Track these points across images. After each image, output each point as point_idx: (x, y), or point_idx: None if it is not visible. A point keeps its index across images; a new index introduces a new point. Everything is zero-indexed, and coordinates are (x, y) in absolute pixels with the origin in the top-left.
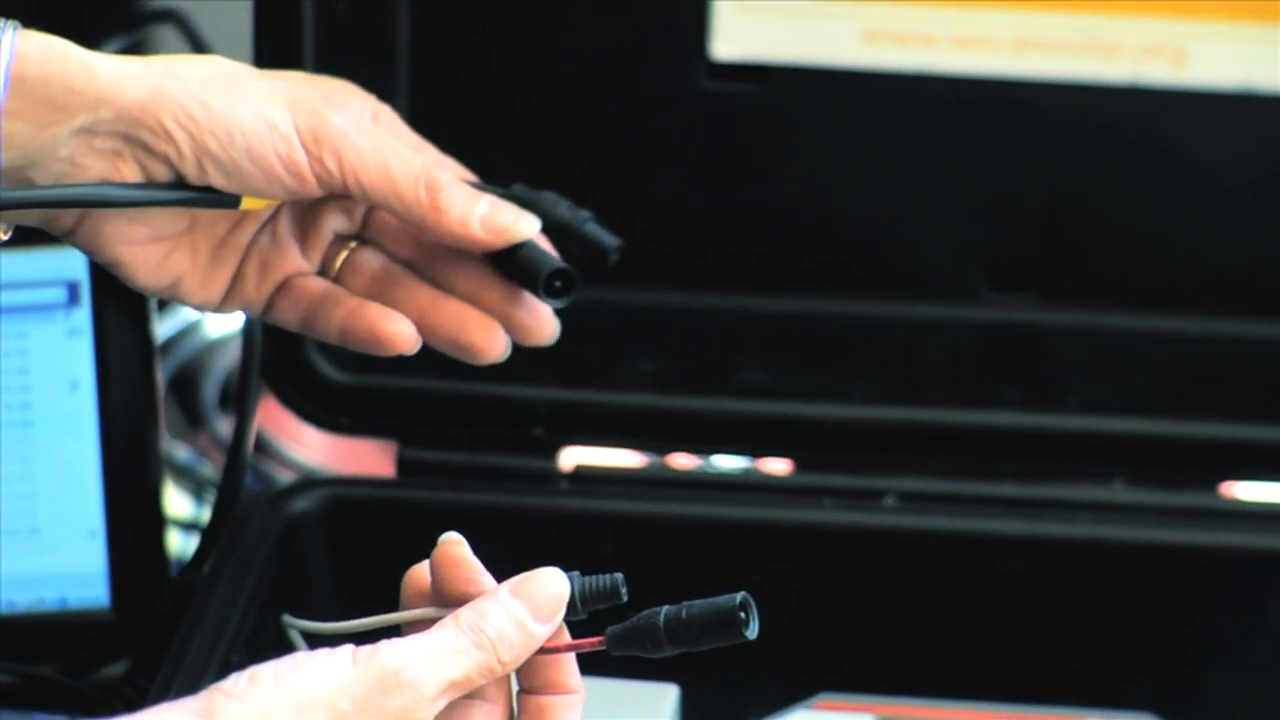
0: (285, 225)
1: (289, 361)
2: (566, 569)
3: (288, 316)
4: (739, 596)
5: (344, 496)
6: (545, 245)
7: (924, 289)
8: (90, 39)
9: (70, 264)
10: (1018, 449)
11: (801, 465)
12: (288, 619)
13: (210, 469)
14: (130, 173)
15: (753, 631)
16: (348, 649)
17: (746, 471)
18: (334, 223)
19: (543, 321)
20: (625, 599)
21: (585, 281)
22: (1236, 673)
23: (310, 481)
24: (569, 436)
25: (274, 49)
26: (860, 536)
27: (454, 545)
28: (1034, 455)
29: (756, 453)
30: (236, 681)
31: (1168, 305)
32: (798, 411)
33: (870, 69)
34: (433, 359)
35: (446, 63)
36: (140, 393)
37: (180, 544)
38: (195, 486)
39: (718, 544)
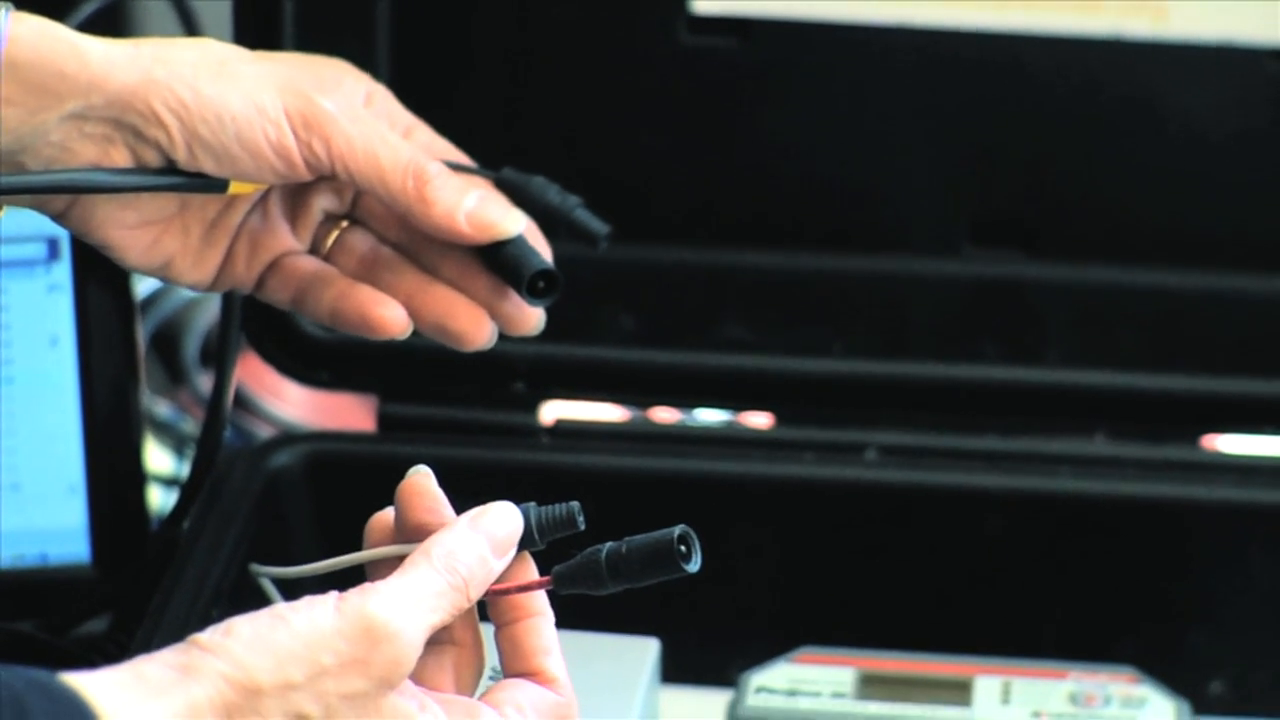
0: (276, 205)
1: (270, 317)
2: (521, 502)
3: (278, 295)
4: (677, 530)
5: (324, 451)
6: (536, 234)
7: (906, 244)
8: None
9: (50, 220)
10: (999, 403)
11: (783, 419)
12: (255, 567)
13: (191, 425)
14: (121, 158)
15: (694, 565)
16: (331, 597)
17: (728, 425)
18: (324, 202)
19: (527, 314)
20: (582, 527)
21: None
22: (1218, 626)
23: (290, 437)
24: (550, 391)
25: (254, 12)
26: (841, 490)
27: (421, 476)
28: (1016, 409)
29: (738, 407)
30: (213, 634)
31: (1149, 259)
32: (779, 366)
33: (851, 22)
34: None
35: (428, 22)
36: (121, 348)
37: (161, 500)
38: (176, 442)
39: (699, 498)
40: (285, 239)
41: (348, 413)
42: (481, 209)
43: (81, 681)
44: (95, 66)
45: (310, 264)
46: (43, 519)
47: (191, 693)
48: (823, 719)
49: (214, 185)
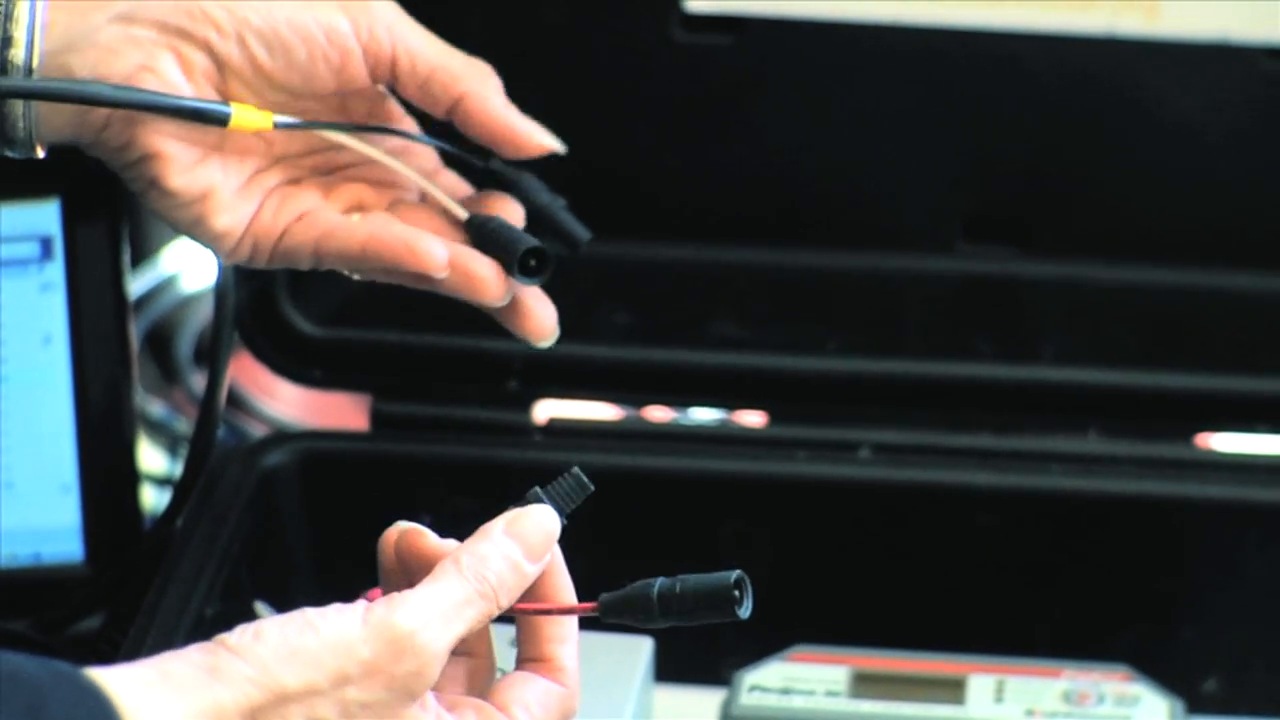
0: (313, 176)
1: (263, 316)
2: (517, 499)
3: (300, 241)
4: (734, 575)
5: (318, 450)
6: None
7: (899, 241)
8: None
9: (44, 218)
10: (993, 401)
11: (776, 417)
12: (260, 607)
13: (185, 424)
14: (167, 63)
15: (746, 611)
16: (360, 605)
17: (721, 424)
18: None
19: (541, 314)
20: (593, 488)
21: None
22: (1212, 624)
23: (284, 435)
24: (544, 389)
25: None
26: (835, 488)
27: (415, 536)
28: (1009, 407)
29: (731, 405)
30: (241, 637)
31: (1143, 257)
32: (773, 364)
33: (844, 20)
34: (407, 313)
35: (421, 17)
36: (114, 347)
37: (154, 499)
38: (170, 442)
39: (692, 496)
40: (315, 200)
41: (341, 411)
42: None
43: (105, 676)
44: None
45: (336, 216)
46: (36, 518)
47: (217, 695)
48: (816, 718)
49: (215, 117)
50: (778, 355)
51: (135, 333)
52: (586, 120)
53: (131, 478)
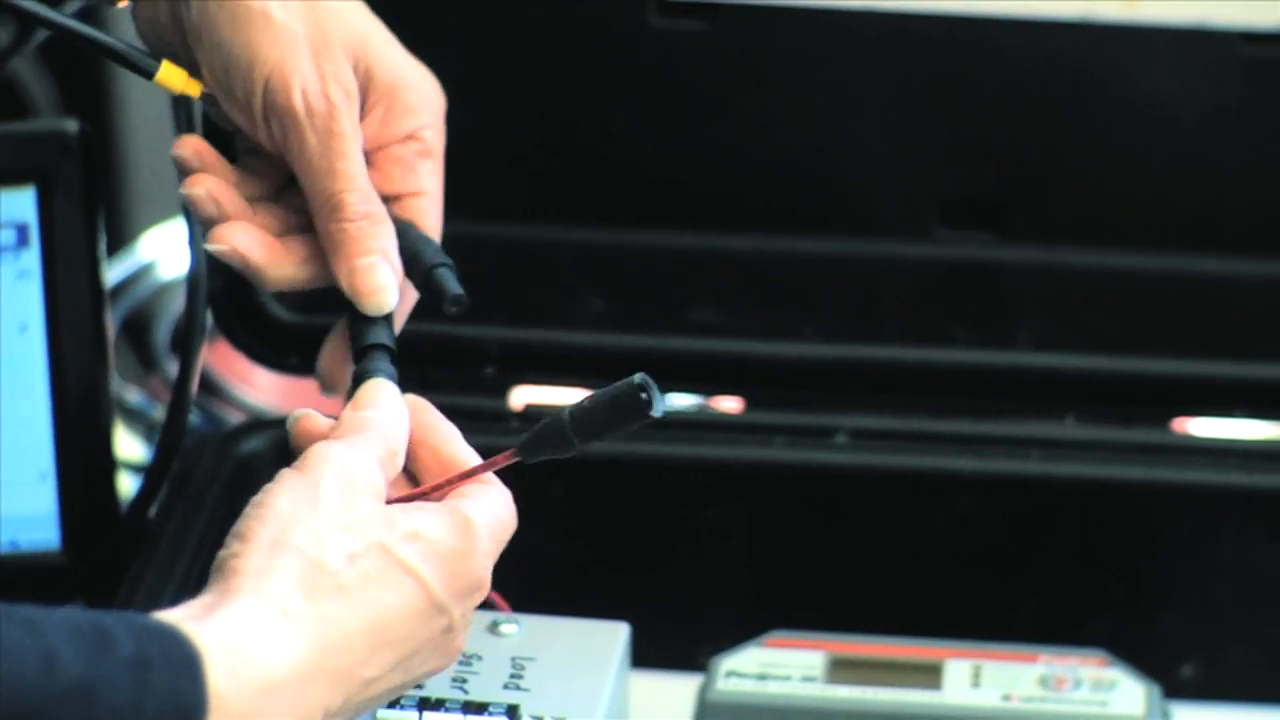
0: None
1: (239, 302)
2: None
3: None
4: (637, 376)
5: None
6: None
7: (876, 226)
8: None
9: (19, 206)
10: (970, 386)
11: (753, 403)
12: None
13: (162, 412)
14: (166, 21)
15: (659, 409)
16: (284, 472)
17: (698, 410)
18: None
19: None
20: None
21: (535, 219)
22: (1189, 609)
23: (260, 422)
24: (520, 376)
25: None
26: (812, 474)
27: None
28: (986, 392)
29: (708, 391)
30: (229, 545)
31: (1121, 242)
32: (749, 349)
33: (820, 6)
34: None
35: (398, 4)
36: (90, 335)
37: (131, 487)
38: (146, 429)
39: (669, 482)
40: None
41: (317, 398)
42: (368, 275)
43: (162, 616)
44: None
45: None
46: (13, 506)
47: (261, 587)
48: (793, 703)
49: (142, 70)
50: (754, 341)
51: (112, 320)
52: (562, 105)
53: (108, 465)
